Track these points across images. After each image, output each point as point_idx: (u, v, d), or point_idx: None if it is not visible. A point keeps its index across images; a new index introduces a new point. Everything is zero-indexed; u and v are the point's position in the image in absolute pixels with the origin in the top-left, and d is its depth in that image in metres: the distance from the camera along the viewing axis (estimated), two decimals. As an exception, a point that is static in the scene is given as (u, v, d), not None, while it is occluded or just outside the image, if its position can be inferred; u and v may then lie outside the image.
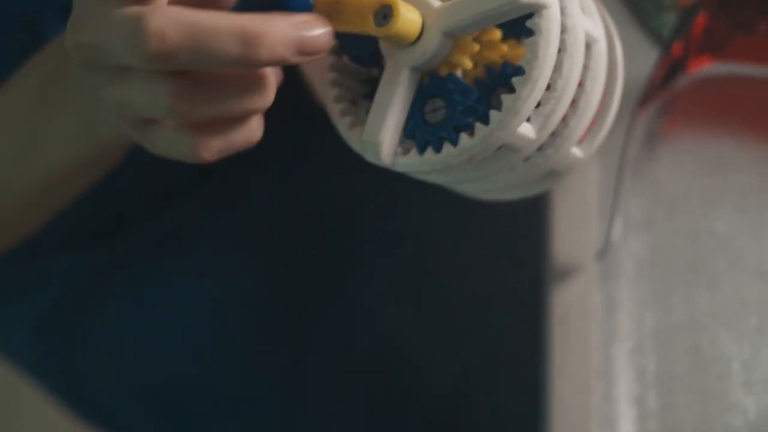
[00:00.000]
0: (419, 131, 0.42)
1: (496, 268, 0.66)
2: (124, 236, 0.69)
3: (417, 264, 0.68)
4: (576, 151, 0.46)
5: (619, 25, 0.65)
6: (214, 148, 0.41)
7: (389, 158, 0.42)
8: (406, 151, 0.42)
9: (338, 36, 0.43)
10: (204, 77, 0.39)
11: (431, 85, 0.42)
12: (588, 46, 0.44)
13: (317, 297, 0.69)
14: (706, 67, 0.62)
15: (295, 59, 0.38)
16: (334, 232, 0.69)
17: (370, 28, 0.40)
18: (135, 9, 0.37)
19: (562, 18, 0.41)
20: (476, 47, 0.42)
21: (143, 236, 0.69)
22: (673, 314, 0.55)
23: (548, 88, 0.41)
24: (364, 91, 0.45)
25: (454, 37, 0.41)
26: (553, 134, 0.43)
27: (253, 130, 0.42)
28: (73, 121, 0.49)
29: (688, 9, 0.59)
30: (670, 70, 0.60)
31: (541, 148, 0.44)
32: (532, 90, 0.40)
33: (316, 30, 0.39)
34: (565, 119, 0.44)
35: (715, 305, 0.55)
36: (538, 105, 0.41)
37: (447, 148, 0.41)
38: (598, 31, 0.44)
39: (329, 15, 0.41)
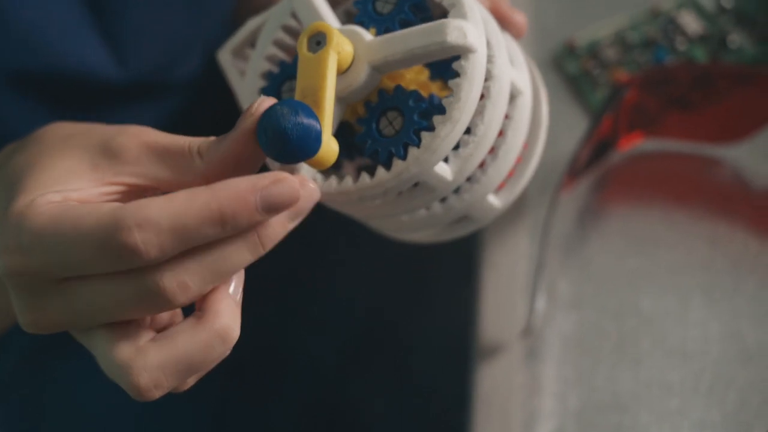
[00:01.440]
0: (376, 144, 0.41)
1: (423, 345, 0.66)
2: None
3: (353, 328, 0.68)
4: (493, 200, 0.46)
5: (557, 101, 0.66)
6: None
7: None
8: (326, 178, 0.43)
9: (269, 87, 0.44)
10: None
11: (382, 101, 0.42)
12: (513, 97, 0.44)
13: (267, 350, 0.69)
14: (638, 144, 0.62)
15: (266, 217, 0.37)
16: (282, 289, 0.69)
17: (303, 53, 0.40)
18: None
19: (489, 65, 0.42)
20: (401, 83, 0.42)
21: None
22: (597, 395, 0.55)
23: (469, 131, 0.41)
24: None
25: (382, 72, 0.42)
26: (471, 179, 0.44)
27: None
28: None
29: (618, 85, 0.59)
30: (599, 146, 0.60)
31: (458, 191, 0.44)
32: (451, 130, 0.40)
33: (277, 187, 0.37)
34: (483, 165, 0.44)
35: (638, 386, 0.54)
36: (458, 147, 0.42)
37: (363, 178, 0.41)
38: (524, 84, 0.45)
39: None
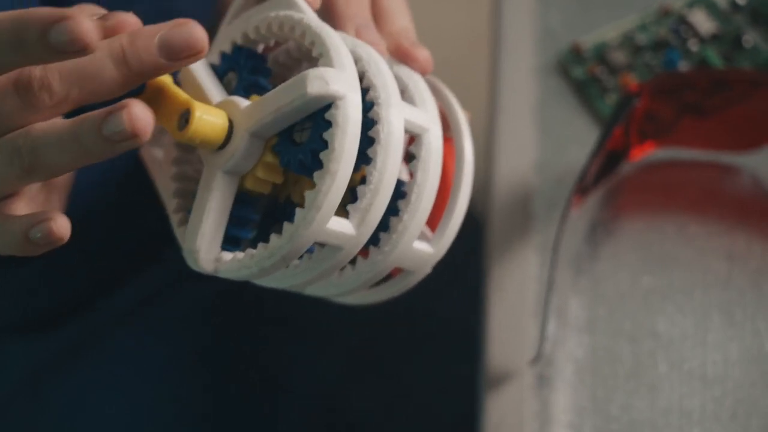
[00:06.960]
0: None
1: (430, 373, 0.63)
2: (78, 319, 0.68)
3: (346, 366, 0.66)
4: (422, 246, 0.43)
5: (563, 108, 0.63)
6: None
7: (210, 264, 0.41)
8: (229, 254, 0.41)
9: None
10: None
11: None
12: (417, 136, 0.42)
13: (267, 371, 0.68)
14: (650, 153, 0.59)
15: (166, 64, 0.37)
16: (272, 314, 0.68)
17: (173, 131, 0.39)
18: None
19: (376, 107, 0.40)
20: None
21: (96, 317, 0.68)
22: (612, 424, 0.52)
23: (365, 181, 0.39)
24: None
25: (263, 138, 0.40)
26: (388, 230, 0.41)
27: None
28: None
29: (628, 94, 0.56)
30: (610, 158, 0.57)
31: (378, 244, 0.42)
32: (332, 183, 0.38)
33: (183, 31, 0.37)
34: (399, 213, 0.42)
35: (655, 413, 0.52)
36: (356, 200, 0.40)
37: (259, 248, 0.39)
38: (428, 120, 0.42)
39: (152, 101, 0.39)
